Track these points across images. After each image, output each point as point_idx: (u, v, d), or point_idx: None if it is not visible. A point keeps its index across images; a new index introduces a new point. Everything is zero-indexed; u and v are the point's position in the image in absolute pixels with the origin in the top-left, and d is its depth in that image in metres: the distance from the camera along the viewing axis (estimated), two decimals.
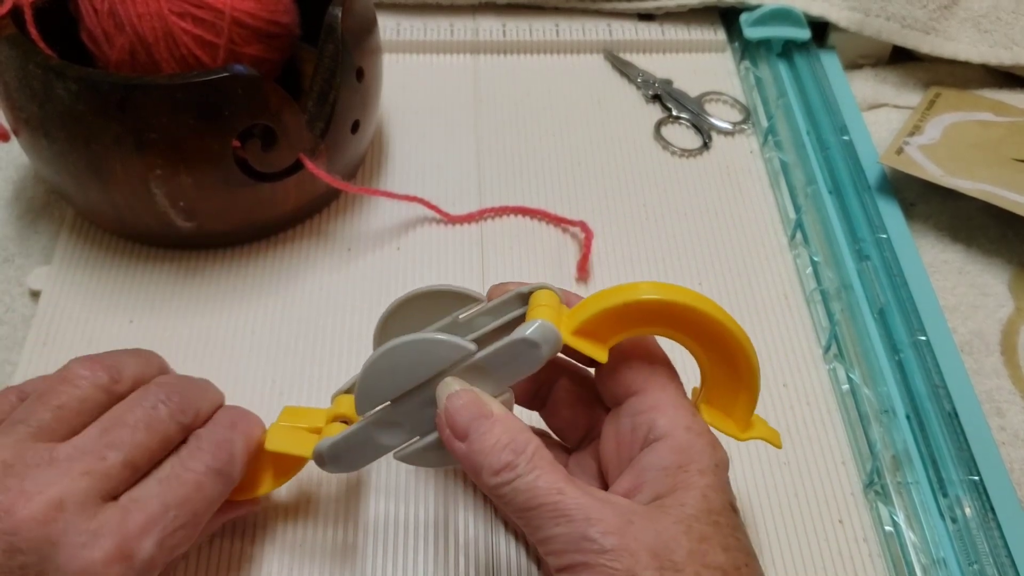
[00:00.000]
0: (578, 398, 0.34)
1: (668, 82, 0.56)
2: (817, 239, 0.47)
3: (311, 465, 0.33)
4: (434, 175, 0.50)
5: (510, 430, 0.28)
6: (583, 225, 0.47)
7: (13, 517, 0.27)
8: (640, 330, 0.30)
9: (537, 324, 0.29)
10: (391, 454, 0.32)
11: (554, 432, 0.35)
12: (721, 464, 0.29)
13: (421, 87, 0.55)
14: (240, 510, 0.35)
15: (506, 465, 0.28)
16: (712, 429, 0.31)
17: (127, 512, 0.28)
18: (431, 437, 0.31)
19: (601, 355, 0.30)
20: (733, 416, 0.32)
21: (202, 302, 0.44)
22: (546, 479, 0.27)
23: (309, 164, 0.42)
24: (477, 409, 0.29)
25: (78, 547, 0.27)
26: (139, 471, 0.30)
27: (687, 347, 0.31)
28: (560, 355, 0.31)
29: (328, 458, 0.32)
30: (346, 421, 0.33)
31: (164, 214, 0.42)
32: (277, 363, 0.42)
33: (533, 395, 0.35)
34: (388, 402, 0.31)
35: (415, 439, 0.32)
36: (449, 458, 0.30)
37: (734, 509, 0.29)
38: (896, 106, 0.56)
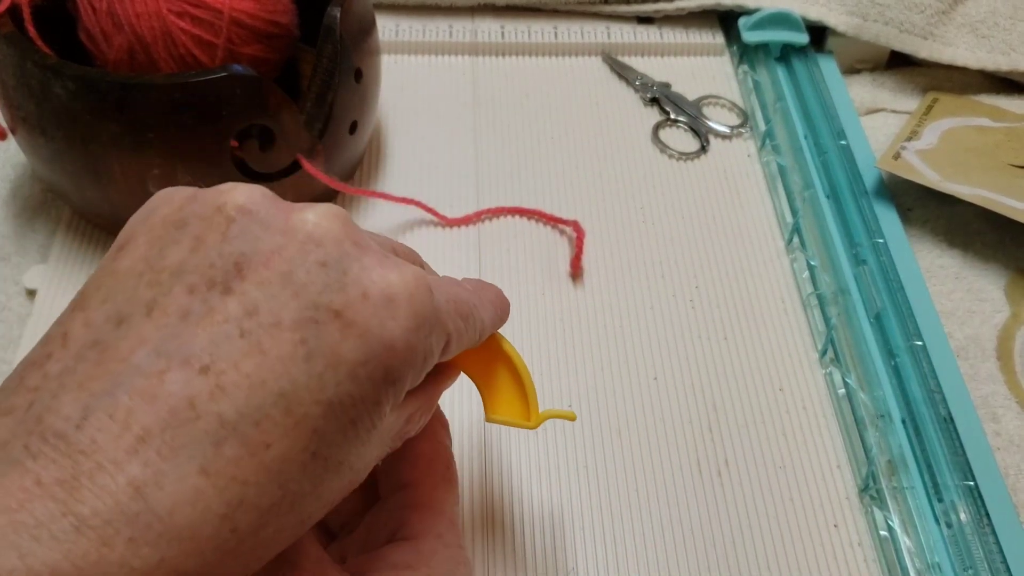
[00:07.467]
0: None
1: (666, 85, 0.56)
2: (814, 243, 0.47)
3: None
4: (432, 176, 0.50)
5: None
6: (575, 224, 0.47)
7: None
8: None
9: None
10: None
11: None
12: None
13: (419, 88, 0.55)
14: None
15: None
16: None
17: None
18: None
19: None
20: (521, 414, 0.31)
21: None
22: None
23: (307, 165, 0.42)
24: None
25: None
26: None
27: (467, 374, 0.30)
28: None
29: None
30: None
31: None
32: None
33: None
34: None
35: None
36: None
37: None
38: (894, 111, 0.56)
